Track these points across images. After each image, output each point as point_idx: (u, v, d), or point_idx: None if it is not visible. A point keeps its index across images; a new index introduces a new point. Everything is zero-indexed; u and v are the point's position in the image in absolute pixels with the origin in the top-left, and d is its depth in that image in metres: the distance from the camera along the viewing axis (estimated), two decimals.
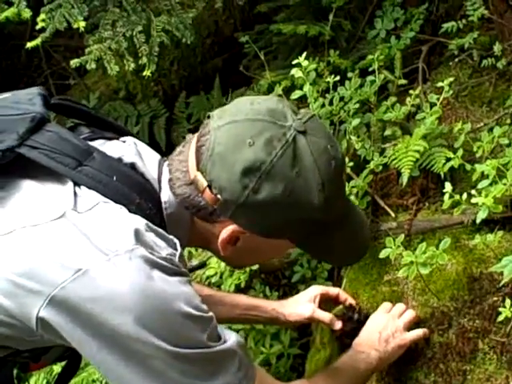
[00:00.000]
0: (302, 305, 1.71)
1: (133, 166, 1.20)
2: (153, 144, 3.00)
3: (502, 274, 1.47)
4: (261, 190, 1.11)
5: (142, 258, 1.05)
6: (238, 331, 2.23)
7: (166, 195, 1.20)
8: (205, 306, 1.14)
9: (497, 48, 2.09)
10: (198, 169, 1.16)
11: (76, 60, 2.11)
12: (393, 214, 1.93)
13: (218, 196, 1.14)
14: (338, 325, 1.68)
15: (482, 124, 1.95)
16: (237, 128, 1.14)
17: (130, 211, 1.13)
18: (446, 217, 1.82)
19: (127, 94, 3.39)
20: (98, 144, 1.24)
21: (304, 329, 2.22)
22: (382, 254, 1.63)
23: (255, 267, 2.06)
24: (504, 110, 1.97)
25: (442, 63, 2.28)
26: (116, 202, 1.13)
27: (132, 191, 1.15)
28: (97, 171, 1.15)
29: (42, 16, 2.10)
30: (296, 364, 2.21)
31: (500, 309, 1.45)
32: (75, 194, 1.13)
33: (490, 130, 1.80)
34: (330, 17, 2.33)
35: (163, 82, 3.24)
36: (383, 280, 1.81)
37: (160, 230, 1.14)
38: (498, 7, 2.23)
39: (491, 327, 1.59)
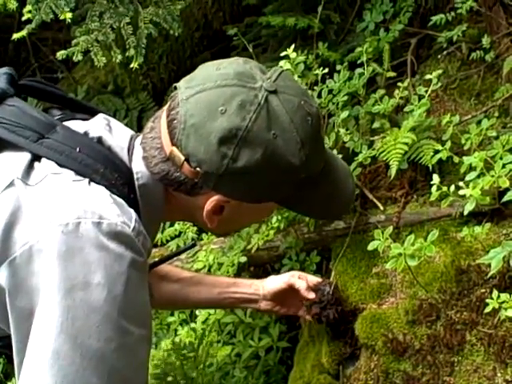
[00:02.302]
0: (280, 275, 1.75)
1: (99, 139, 1.17)
2: None
3: (489, 265, 1.47)
4: (240, 158, 1.09)
5: (86, 228, 1.02)
6: (226, 324, 2.24)
7: (137, 166, 1.17)
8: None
9: (485, 41, 2.09)
10: (173, 144, 1.13)
11: (62, 52, 2.09)
12: (381, 207, 1.92)
13: (198, 169, 1.12)
14: (312, 294, 1.68)
15: (470, 116, 1.95)
16: (206, 96, 1.11)
17: (93, 181, 1.10)
18: (434, 209, 1.83)
19: (116, 88, 3.38)
20: (68, 123, 1.22)
21: (293, 322, 2.22)
22: (371, 247, 1.62)
23: (243, 260, 2.06)
24: (492, 103, 1.98)
25: (430, 56, 2.27)
26: (78, 172, 1.10)
27: (96, 161, 1.12)
28: (59, 143, 1.12)
29: (28, 7, 2.07)
30: (285, 357, 2.21)
31: (487, 300, 1.45)
32: (31, 166, 1.11)
33: (478, 122, 1.80)
34: (319, 9, 2.32)
35: (152, 75, 3.23)
36: (371, 272, 1.81)
37: (120, 200, 1.10)
38: (487, 0, 2.24)
39: (479, 319, 1.59)
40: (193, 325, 2.22)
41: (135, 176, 1.16)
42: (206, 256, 2.17)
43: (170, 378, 2.01)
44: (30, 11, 2.09)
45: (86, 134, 1.17)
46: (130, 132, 1.24)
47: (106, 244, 1.02)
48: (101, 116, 1.25)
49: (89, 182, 1.10)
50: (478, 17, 2.24)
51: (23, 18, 2.15)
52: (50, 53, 3.78)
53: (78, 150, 1.12)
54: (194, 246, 1.59)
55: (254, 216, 1.30)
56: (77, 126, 1.19)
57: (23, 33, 2.13)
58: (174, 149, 1.13)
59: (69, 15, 2.07)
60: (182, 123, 1.11)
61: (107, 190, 1.10)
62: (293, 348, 2.14)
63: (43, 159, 1.12)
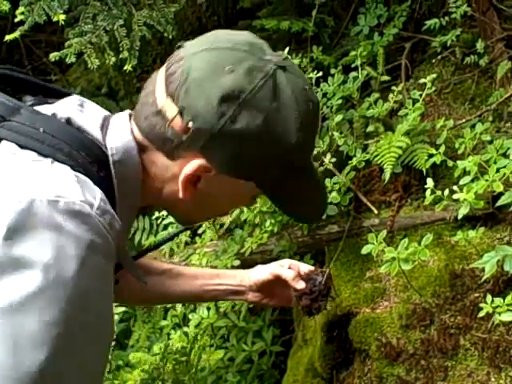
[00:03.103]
0: (268, 265, 1.63)
1: (68, 119, 1.11)
2: None
3: (483, 270, 1.47)
4: (238, 120, 1.04)
5: (41, 206, 0.96)
6: (219, 328, 2.23)
7: (112, 142, 1.10)
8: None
9: (479, 45, 2.09)
10: (168, 95, 1.07)
11: (55, 53, 2.08)
12: (375, 211, 1.92)
13: (190, 124, 1.05)
14: (301, 284, 1.55)
15: (464, 121, 1.95)
16: (215, 55, 1.07)
17: (57, 161, 1.04)
18: (428, 213, 1.83)
19: (109, 90, 3.37)
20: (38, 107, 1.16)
21: (286, 326, 2.22)
22: (364, 250, 1.62)
23: (237, 263, 2.05)
24: (486, 107, 1.98)
25: (424, 60, 2.28)
26: (40, 153, 1.04)
27: (61, 141, 1.06)
28: (21, 125, 1.07)
29: (21, 9, 2.06)
30: (278, 361, 2.21)
31: (481, 305, 1.45)
32: None
33: (473, 126, 1.81)
34: (313, 13, 2.32)
35: (146, 78, 3.22)
36: (365, 276, 1.81)
37: (85, 178, 1.04)
38: (481, 5, 2.24)
39: (473, 323, 1.59)
40: (185, 329, 2.21)
41: (109, 152, 1.10)
42: (200, 259, 2.16)
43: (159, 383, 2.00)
44: (22, 13, 2.08)
45: (53, 115, 1.11)
46: (104, 112, 1.17)
47: (60, 224, 0.95)
48: (74, 97, 1.18)
49: (52, 162, 1.04)
50: (471, 22, 2.25)
51: (16, 20, 2.14)
52: (43, 55, 3.77)
53: (41, 130, 1.07)
54: (176, 235, 1.52)
55: (228, 201, 1.20)
56: (46, 108, 1.14)
57: (16, 34, 2.12)
58: (169, 100, 1.07)
59: (62, 17, 2.07)
60: (184, 75, 1.05)
61: (73, 169, 1.04)
62: (286, 352, 2.13)
63: (3, 141, 1.06)
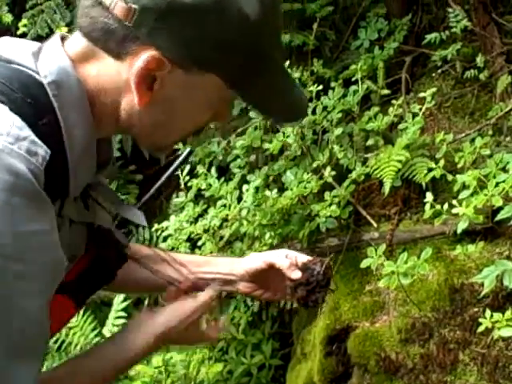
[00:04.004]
0: (263, 253, 1.45)
1: None
2: (137, 153, 2.99)
3: (482, 284, 1.47)
4: None
5: None
6: (219, 341, 2.22)
7: (43, 65, 0.97)
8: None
9: (479, 60, 2.10)
10: None
11: None
12: (375, 224, 1.92)
13: (134, 6, 0.91)
14: (297, 274, 1.33)
15: (463, 135, 1.95)
16: None
17: None
18: (427, 227, 1.82)
19: None
20: None
21: (285, 339, 2.21)
22: (364, 264, 1.62)
23: None
24: (486, 121, 1.98)
25: (425, 74, 2.29)
26: None
27: None
28: None
29: (24, 21, 2.08)
30: (277, 375, 2.20)
31: (480, 320, 1.44)
32: None
33: (472, 140, 1.81)
34: (315, 26, 2.33)
35: None
36: (365, 290, 1.80)
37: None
38: (481, 19, 2.25)
39: (472, 338, 1.59)
40: None
41: (42, 74, 0.96)
42: None
43: None
44: (25, 25, 2.10)
45: None
46: (39, 45, 1.04)
47: None
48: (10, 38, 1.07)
49: None
50: (472, 36, 2.26)
51: (19, 32, 2.15)
52: None
53: None
54: (190, 153, 1.33)
55: (194, 104, 1.02)
56: None
57: None
58: None
59: (64, 29, 2.08)
60: None
61: None
62: (285, 365, 2.13)
63: None
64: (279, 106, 1.06)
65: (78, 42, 0.98)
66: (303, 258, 1.38)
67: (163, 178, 1.34)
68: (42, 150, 0.89)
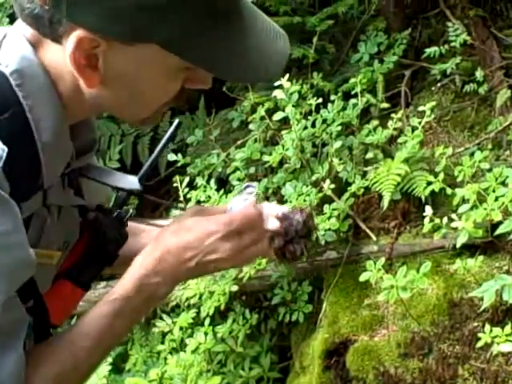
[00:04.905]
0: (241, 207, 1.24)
1: None
2: (136, 164, 2.99)
3: (482, 299, 1.46)
4: None
5: None
6: (217, 354, 2.21)
7: (5, 55, 0.93)
8: None
9: (479, 74, 2.11)
10: None
11: None
12: (374, 238, 1.92)
13: None
14: (274, 223, 1.15)
15: (463, 148, 1.96)
16: None
17: None
18: (427, 241, 1.82)
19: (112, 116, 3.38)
20: None
21: (284, 352, 2.20)
22: (363, 278, 1.61)
23: (235, 289, 2.04)
24: (485, 135, 1.99)
25: (424, 88, 2.29)
26: None
27: None
28: None
29: None
30: None
31: (480, 335, 1.44)
32: None
33: (472, 154, 1.81)
34: (314, 40, 2.34)
35: None
36: (364, 304, 1.80)
37: None
38: (480, 34, 2.27)
39: (471, 353, 1.58)
40: (182, 354, 2.19)
41: (3, 64, 0.91)
42: (198, 284, 2.15)
43: None
44: None
45: None
46: (6, 30, 0.99)
47: None
48: None
49: None
50: (471, 50, 2.27)
51: None
52: None
53: None
54: (179, 125, 1.20)
55: (147, 76, 0.94)
56: None
57: None
58: None
59: None
60: None
61: None
62: (284, 379, 2.11)
63: None
64: (239, 70, 0.95)
65: (28, 28, 0.93)
66: (284, 209, 1.23)
67: (156, 152, 1.21)
68: None
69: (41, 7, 0.88)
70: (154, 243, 1.04)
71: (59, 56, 0.91)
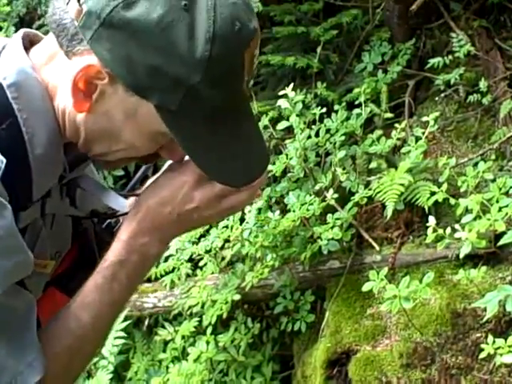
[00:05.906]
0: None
1: None
2: (136, 169, 2.98)
3: (485, 309, 1.46)
4: (135, 6, 0.87)
5: None
6: (219, 363, 2.20)
7: (5, 67, 0.95)
8: None
9: (482, 84, 2.11)
10: None
11: None
12: (377, 247, 1.92)
13: (84, 6, 0.89)
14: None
15: (466, 159, 1.96)
16: None
17: None
18: (430, 251, 1.82)
19: None
20: None
21: (286, 362, 2.20)
22: (366, 288, 1.61)
23: (237, 298, 2.04)
24: (489, 146, 1.99)
25: (428, 98, 2.30)
26: None
27: None
28: None
29: None
30: None
31: (483, 345, 1.43)
32: None
33: (475, 164, 1.81)
34: (318, 50, 2.35)
35: None
36: (366, 313, 1.79)
37: None
38: (484, 44, 2.27)
39: (474, 364, 1.57)
40: (184, 363, 2.18)
41: (1, 77, 0.93)
42: (200, 293, 2.15)
43: None
44: None
45: None
46: (6, 41, 1.01)
47: None
48: None
49: None
50: (475, 60, 2.27)
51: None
52: None
53: None
54: (148, 168, 1.26)
55: (128, 127, 0.95)
56: None
57: None
58: None
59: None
60: None
61: None
62: None
63: None
64: (220, 169, 0.96)
65: (43, 42, 0.96)
66: None
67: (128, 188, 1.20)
68: None
69: (71, 20, 0.91)
70: (134, 207, 1.04)
71: (60, 70, 0.94)
